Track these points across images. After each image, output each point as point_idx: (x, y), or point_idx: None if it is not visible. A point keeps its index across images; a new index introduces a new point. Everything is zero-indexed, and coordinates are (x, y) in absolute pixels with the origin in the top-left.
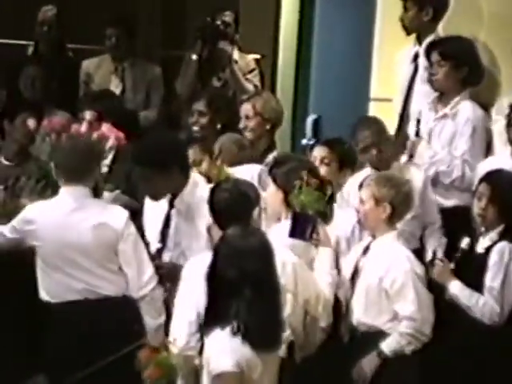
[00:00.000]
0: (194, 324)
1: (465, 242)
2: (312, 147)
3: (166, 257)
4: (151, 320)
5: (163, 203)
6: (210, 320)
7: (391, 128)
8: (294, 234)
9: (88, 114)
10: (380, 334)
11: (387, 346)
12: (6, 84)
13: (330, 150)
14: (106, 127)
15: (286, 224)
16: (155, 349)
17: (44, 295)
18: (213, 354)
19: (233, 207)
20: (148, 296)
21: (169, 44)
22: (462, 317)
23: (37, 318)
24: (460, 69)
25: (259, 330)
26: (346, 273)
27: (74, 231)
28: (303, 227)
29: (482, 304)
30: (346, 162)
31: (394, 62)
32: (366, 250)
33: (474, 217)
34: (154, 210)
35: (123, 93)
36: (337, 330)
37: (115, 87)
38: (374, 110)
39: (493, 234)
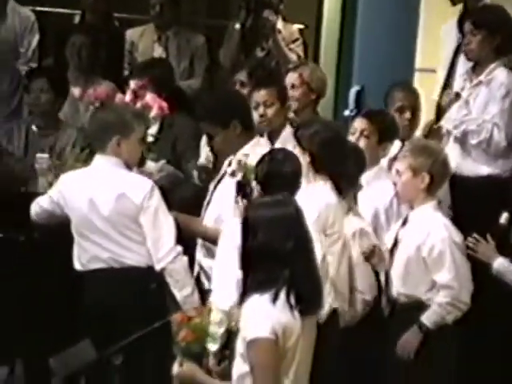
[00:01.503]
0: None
1: (504, 218)
2: (353, 118)
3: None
4: (177, 292)
5: None
6: (248, 285)
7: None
8: None
9: (133, 83)
10: (419, 305)
11: (427, 318)
12: (53, 52)
13: (369, 122)
14: (150, 97)
15: (314, 187)
16: (189, 316)
17: (76, 264)
18: (249, 320)
19: (283, 178)
20: (167, 269)
21: (213, 13)
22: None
23: (72, 286)
24: (493, 37)
25: (307, 295)
26: (387, 246)
27: (99, 201)
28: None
29: None
30: (386, 135)
31: (440, 34)
32: (405, 221)
33: None
34: None
35: None
36: (378, 302)
37: (158, 56)
38: (418, 81)
39: None
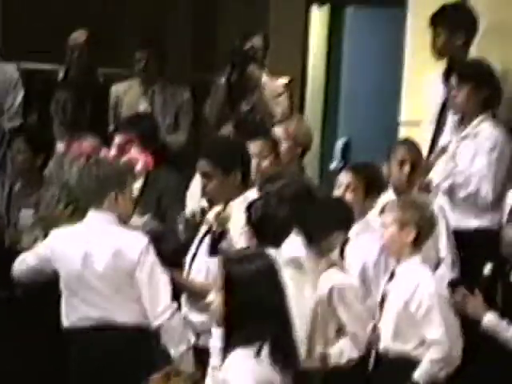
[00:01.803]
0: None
1: (487, 269)
2: (339, 172)
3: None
4: (173, 349)
5: None
6: (232, 340)
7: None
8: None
9: (118, 138)
10: (408, 361)
11: (420, 376)
12: (37, 108)
13: (355, 175)
14: (135, 151)
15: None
16: (167, 375)
17: (65, 321)
18: (233, 375)
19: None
20: (164, 325)
21: (199, 68)
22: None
23: (59, 345)
24: (480, 91)
25: (288, 349)
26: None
27: (93, 257)
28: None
29: None
30: (372, 188)
31: (424, 86)
32: (392, 275)
33: (507, 245)
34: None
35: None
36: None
37: (144, 111)
38: (404, 133)
39: None
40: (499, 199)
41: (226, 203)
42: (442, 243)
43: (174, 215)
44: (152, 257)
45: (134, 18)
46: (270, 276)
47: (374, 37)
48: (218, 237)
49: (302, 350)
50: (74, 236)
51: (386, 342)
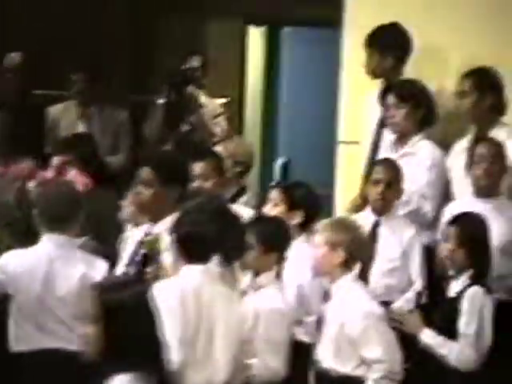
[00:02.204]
0: None
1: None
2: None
3: None
4: None
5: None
6: (110, 369)
7: (359, 171)
8: None
9: (55, 160)
10: (350, 381)
11: None
12: None
13: (279, 192)
14: (73, 173)
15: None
16: None
17: (14, 345)
18: None
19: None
20: None
21: (136, 88)
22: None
23: (8, 369)
24: (418, 110)
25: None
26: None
27: (56, 281)
28: None
29: (457, 352)
30: (296, 205)
31: (362, 105)
32: (326, 296)
33: (442, 259)
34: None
35: None
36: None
37: (82, 132)
38: (342, 152)
39: (464, 278)
40: (437, 217)
41: (155, 220)
42: (415, 268)
43: (112, 236)
44: None
45: (70, 41)
46: (143, 304)
47: (311, 57)
48: (145, 259)
49: (229, 367)
50: (30, 259)
51: (327, 363)
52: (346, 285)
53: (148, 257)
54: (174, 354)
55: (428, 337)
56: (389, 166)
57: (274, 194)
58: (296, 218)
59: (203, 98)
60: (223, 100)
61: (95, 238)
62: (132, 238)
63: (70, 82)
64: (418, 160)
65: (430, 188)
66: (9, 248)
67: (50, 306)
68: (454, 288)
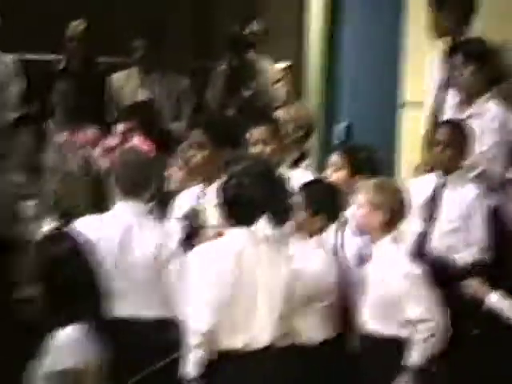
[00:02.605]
0: None
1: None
2: None
3: None
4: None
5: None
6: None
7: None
8: None
9: (120, 127)
10: (395, 342)
11: (415, 359)
12: (38, 99)
13: (341, 156)
14: (137, 139)
15: None
16: None
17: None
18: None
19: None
20: None
21: (198, 54)
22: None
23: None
24: (484, 69)
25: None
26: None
27: (133, 249)
28: None
29: None
30: (359, 169)
31: (425, 66)
32: (362, 257)
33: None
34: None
35: None
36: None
37: (144, 99)
38: (406, 114)
39: None
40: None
41: (206, 183)
42: (477, 229)
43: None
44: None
45: (132, 7)
46: (80, 255)
47: (373, 17)
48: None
49: (272, 330)
50: (107, 226)
51: (370, 324)
52: (385, 246)
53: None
54: (205, 317)
55: (495, 300)
56: (450, 126)
57: (335, 159)
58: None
59: (264, 63)
60: (284, 64)
61: (159, 204)
62: (183, 200)
63: (133, 49)
64: (485, 121)
65: (498, 149)
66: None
67: (126, 273)
68: None
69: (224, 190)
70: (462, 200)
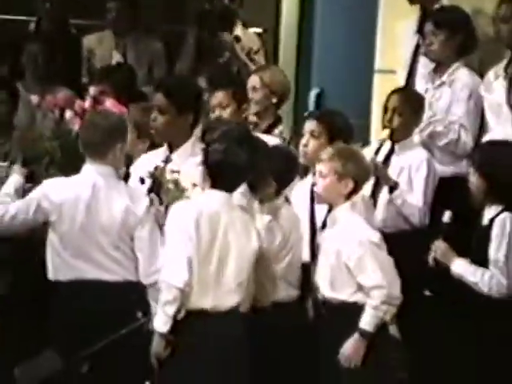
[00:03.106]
0: None
1: (446, 216)
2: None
3: None
4: (160, 309)
5: None
6: None
7: None
8: None
9: (92, 90)
10: (349, 307)
11: (367, 323)
12: (8, 60)
13: (317, 122)
14: (109, 102)
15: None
16: None
17: (52, 274)
18: None
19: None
20: (156, 283)
21: (171, 18)
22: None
23: (44, 296)
24: (455, 37)
25: None
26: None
27: (100, 210)
28: None
29: (488, 278)
30: (336, 135)
31: (398, 33)
32: (324, 224)
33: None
34: None
35: None
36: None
37: (117, 62)
38: (378, 82)
39: (495, 207)
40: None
41: (169, 145)
42: (416, 191)
43: None
44: (152, 215)
45: None
46: None
47: None
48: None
49: (239, 292)
50: (74, 187)
51: (325, 291)
52: (344, 213)
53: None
54: (182, 272)
55: (459, 266)
56: (399, 94)
57: (312, 125)
58: None
59: (239, 31)
60: (258, 30)
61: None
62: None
63: (106, 11)
64: (454, 89)
65: (468, 118)
66: (47, 177)
67: (91, 235)
68: (487, 215)
69: (209, 153)
70: (407, 164)
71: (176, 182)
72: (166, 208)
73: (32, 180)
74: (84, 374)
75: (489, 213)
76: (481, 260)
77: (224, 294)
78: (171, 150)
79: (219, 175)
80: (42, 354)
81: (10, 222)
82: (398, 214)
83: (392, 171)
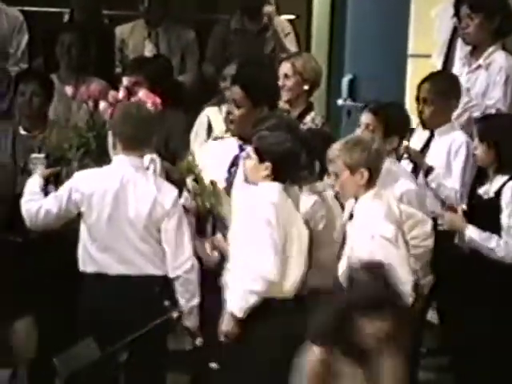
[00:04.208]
0: None
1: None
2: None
3: None
4: (184, 302)
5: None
6: None
7: None
8: None
9: (125, 80)
10: None
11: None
12: (42, 52)
13: (374, 116)
14: (143, 93)
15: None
16: None
17: (82, 265)
18: None
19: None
20: (182, 277)
21: (203, 7)
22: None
23: (73, 286)
24: (491, 20)
25: None
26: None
27: (127, 202)
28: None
29: (503, 244)
30: (393, 129)
31: (431, 17)
32: (351, 215)
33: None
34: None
35: None
36: None
37: (149, 52)
38: (412, 67)
39: (500, 177)
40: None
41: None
42: (455, 173)
43: (181, 155)
44: (180, 207)
45: None
46: None
47: None
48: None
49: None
50: (103, 178)
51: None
52: (367, 203)
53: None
54: (275, 265)
55: (474, 232)
56: (426, 83)
57: (368, 118)
58: (393, 144)
59: (274, 15)
60: (291, 17)
61: (165, 157)
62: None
63: (138, 1)
64: (490, 73)
65: (505, 102)
66: (82, 169)
67: (119, 227)
68: (493, 188)
69: (272, 145)
70: (446, 147)
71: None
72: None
73: (56, 182)
74: (122, 363)
75: (493, 185)
76: (489, 230)
77: (292, 282)
78: (244, 141)
79: (281, 167)
80: (79, 344)
81: (45, 217)
82: (435, 198)
83: (431, 156)
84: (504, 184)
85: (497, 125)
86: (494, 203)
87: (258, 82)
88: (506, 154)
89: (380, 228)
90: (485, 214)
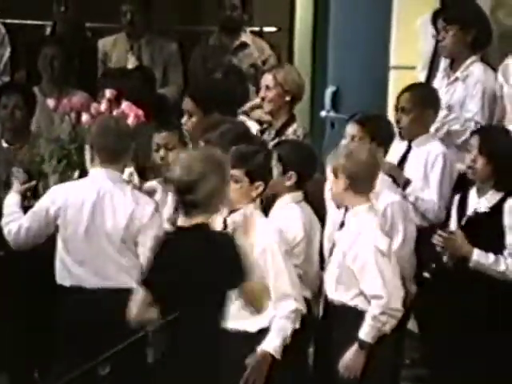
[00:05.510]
0: None
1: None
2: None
3: None
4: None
5: None
6: None
7: None
8: None
9: (108, 92)
10: (347, 310)
11: (366, 334)
12: (25, 65)
13: (360, 127)
14: (125, 105)
15: None
16: None
17: (59, 279)
18: None
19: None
20: None
21: (186, 19)
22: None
23: (52, 300)
24: (467, 32)
25: None
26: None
27: (104, 215)
28: None
29: (511, 265)
30: (379, 140)
31: (414, 29)
32: (342, 224)
33: (465, 170)
34: None
35: None
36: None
37: (132, 65)
38: (394, 78)
39: (493, 193)
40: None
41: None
42: (433, 187)
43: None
44: (157, 220)
45: None
46: None
47: None
48: None
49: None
50: (79, 192)
51: (331, 291)
52: (360, 215)
53: None
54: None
55: (481, 256)
56: (404, 93)
57: (354, 129)
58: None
59: (247, 37)
60: (273, 29)
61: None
62: None
63: (120, 14)
64: (467, 85)
65: (483, 115)
66: (63, 181)
67: (96, 241)
68: (484, 203)
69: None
70: (423, 159)
71: None
72: None
73: (35, 196)
74: (104, 376)
75: (487, 200)
76: (485, 244)
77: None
78: None
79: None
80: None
81: (26, 235)
82: (415, 211)
83: (409, 168)
84: (502, 199)
85: (498, 138)
86: (491, 218)
87: (205, 90)
88: (505, 169)
89: (374, 239)
90: (479, 228)
